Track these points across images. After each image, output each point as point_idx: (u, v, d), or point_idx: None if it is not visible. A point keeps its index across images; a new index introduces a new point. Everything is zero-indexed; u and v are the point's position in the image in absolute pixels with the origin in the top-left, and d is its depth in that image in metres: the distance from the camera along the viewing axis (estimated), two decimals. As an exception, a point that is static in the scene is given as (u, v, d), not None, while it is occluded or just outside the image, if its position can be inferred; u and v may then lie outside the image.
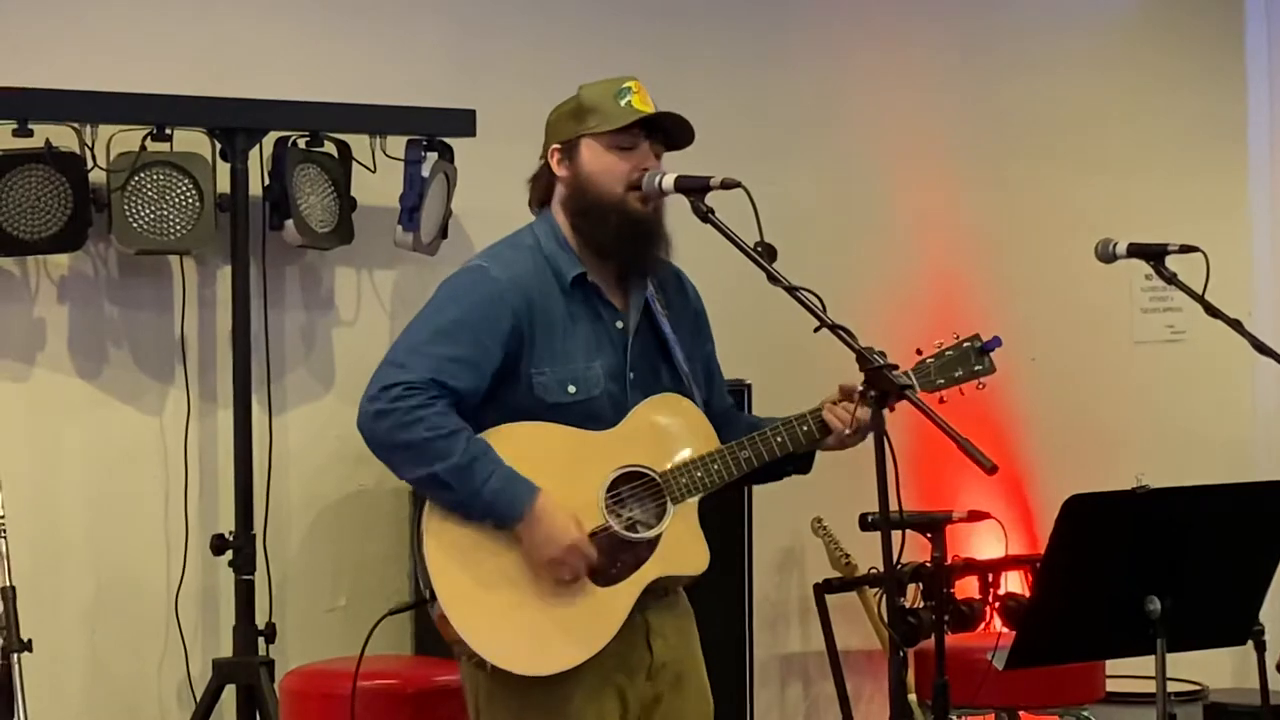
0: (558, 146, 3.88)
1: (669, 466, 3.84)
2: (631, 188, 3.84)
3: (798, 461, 4.00)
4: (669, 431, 3.87)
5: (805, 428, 3.88)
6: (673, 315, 3.97)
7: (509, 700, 3.81)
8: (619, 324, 3.90)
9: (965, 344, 3.97)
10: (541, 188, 3.94)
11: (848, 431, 3.85)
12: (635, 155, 3.84)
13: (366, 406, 3.74)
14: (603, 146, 3.85)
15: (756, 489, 5.04)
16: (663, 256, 3.93)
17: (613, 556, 3.79)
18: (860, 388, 3.59)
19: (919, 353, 3.94)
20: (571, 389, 3.82)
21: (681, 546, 3.83)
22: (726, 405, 4.10)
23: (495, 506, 3.71)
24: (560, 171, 3.89)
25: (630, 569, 3.79)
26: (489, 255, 3.90)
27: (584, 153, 3.86)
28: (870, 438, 3.61)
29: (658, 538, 3.81)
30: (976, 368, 3.97)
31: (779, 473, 4.04)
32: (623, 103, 3.84)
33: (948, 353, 3.96)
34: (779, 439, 3.88)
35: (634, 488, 3.83)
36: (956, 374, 3.93)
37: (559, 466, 3.78)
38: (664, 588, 3.90)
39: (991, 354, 3.96)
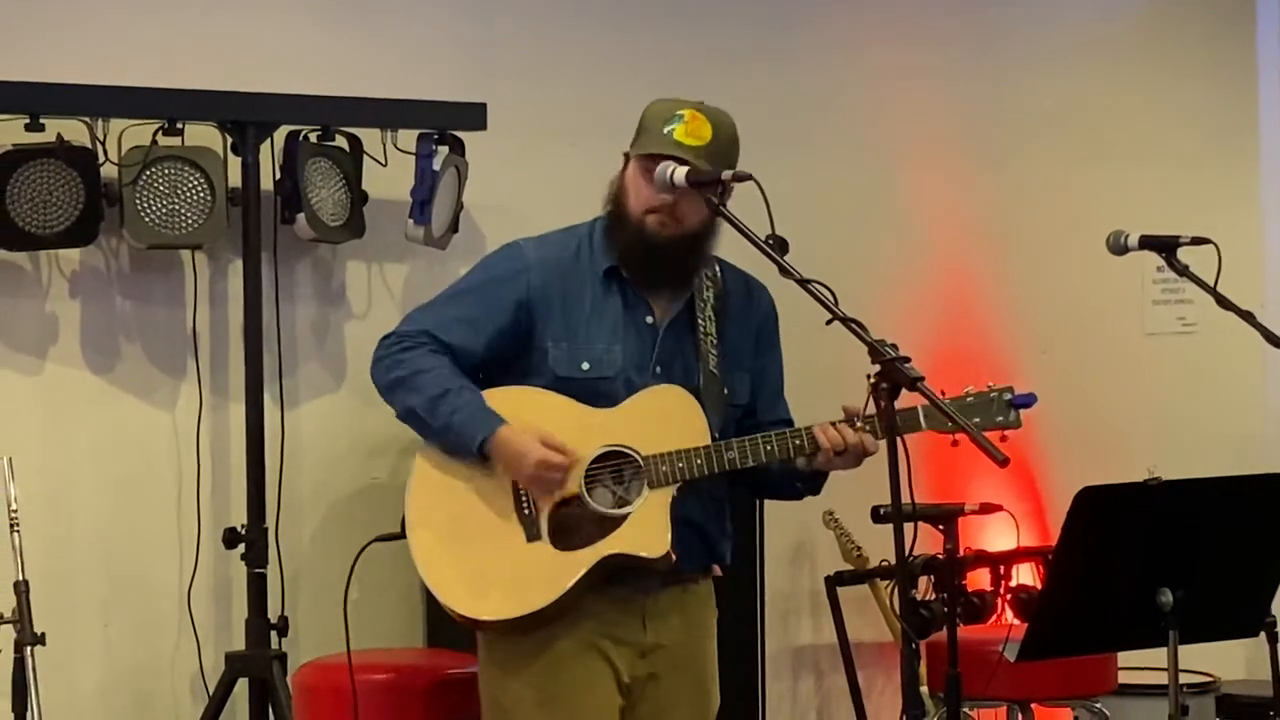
0: (625, 153, 4.03)
1: (654, 453, 3.92)
2: (650, 211, 3.92)
3: (808, 480, 4.09)
4: (662, 420, 3.96)
5: (797, 441, 3.95)
6: (727, 323, 4.05)
7: (503, 650, 4.03)
8: (649, 319, 4.02)
9: (993, 394, 3.96)
10: None
11: (834, 453, 3.91)
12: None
13: (373, 357, 4.08)
14: (637, 167, 3.98)
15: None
16: (679, 276, 4.01)
17: (578, 524, 3.91)
18: (868, 382, 3.59)
19: (942, 393, 3.93)
20: (585, 366, 3.98)
21: (645, 529, 3.92)
22: (775, 418, 4.16)
23: (461, 434, 3.92)
24: (620, 177, 4.03)
25: (592, 540, 3.91)
26: (537, 236, 4.10)
27: (628, 167, 4.02)
28: (866, 460, 3.82)
29: (625, 516, 3.90)
30: (999, 419, 3.95)
31: (791, 491, 4.12)
32: (665, 130, 3.93)
33: (969, 399, 3.95)
34: (768, 447, 3.94)
35: (617, 465, 3.94)
36: (974, 420, 3.89)
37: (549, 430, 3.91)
38: (661, 571, 3.99)
39: (1021, 410, 3.93)
